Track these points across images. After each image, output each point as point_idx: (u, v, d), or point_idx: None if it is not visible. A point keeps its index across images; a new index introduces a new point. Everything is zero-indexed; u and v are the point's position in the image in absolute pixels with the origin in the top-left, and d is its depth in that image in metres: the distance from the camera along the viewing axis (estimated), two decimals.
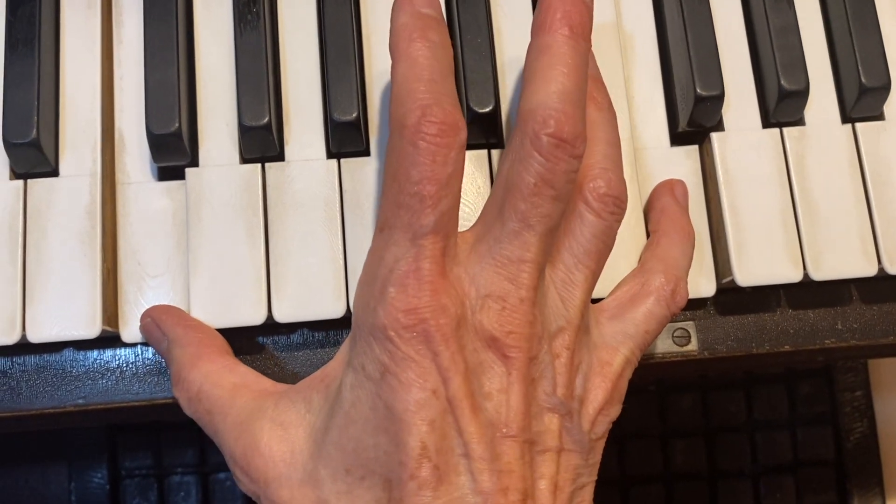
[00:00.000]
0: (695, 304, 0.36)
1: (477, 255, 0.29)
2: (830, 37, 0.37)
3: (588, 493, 0.31)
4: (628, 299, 0.32)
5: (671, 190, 0.35)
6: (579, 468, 0.30)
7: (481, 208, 0.34)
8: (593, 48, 0.32)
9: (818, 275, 0.35)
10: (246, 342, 0.35)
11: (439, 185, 0.28)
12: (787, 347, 0.36)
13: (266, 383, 0.32)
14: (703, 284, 0.35)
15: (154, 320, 0.33)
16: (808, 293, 0.37)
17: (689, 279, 0.34)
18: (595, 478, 0.31)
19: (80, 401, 0.35)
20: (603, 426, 0.31)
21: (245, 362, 0.35)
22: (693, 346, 0.36)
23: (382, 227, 0.29)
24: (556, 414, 0.29)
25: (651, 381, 0.63)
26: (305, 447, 0.29)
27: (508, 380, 0.28)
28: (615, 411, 0.31)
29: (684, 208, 0.35)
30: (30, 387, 0.35)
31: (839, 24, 0.36)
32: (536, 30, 0.30)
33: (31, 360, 0.35)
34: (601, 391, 0.31)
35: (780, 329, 0.36)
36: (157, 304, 0.34)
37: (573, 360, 0.30)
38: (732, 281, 0.35)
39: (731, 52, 0.37)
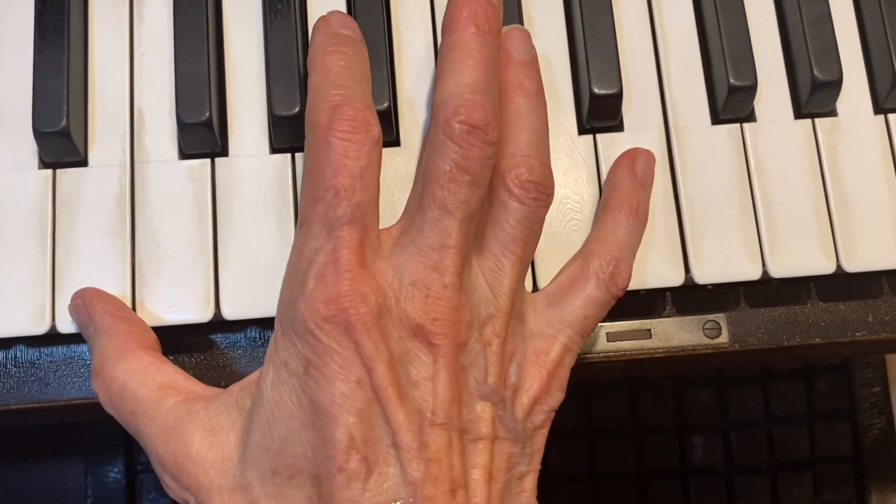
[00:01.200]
0: (725, 297, 0.36)
1: (400, 246, 0.29)
2: (862, 27, 0.37)
3: (529, 483, 0.30)
4: (567, 284, 0.32)
5: (631, 162, 0.34)
6: (515, 457, 0.30)
7: None
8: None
9: (851, 266, 0.35)
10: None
11: (352, 177, 0.28)
12: (817, 340, 0.36)
13: (195, 385, 0.31)
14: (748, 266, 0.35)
15: (84, 303, 0.32)
16: (839, 285, 0.36)
17: (735, 259, 0.33)
18: (537, 467, 0.30)
19: None
20: (540, 416, 0.31)
21: None
22: (724, 338, 0.36)
23: (302, 223, 0.29)
24: (487, 402, 0.29)
25: (668, 377, 0.63)
26: (235, 452, 0.29)
27: (435, 367, 0.28)
28: (554, 400, 0.31)
29: (641, 183, 0.34)
30: (58, 378, 0.35)
31: (871, 14, 0.36)
32: (445, 29, 0.31)
33: (60, 350, 0.35)
34: (536, 380, 0.30)
35: (811, 321, 0.36)
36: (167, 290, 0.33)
37: (504, 348, 0.30)
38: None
39: (764, 43, 0.36)
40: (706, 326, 0.36)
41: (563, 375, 0.31)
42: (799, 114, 0.36)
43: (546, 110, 0.33)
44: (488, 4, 0.31)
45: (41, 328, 0.33)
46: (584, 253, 0.33)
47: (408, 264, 0.29)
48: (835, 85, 0.35)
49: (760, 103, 0.36)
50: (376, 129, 0.29)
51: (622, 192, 0.33)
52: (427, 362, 0.28)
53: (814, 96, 0.35)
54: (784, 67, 0.36)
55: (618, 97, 0.35)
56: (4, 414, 0.35)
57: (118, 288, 0.34)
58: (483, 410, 0.29)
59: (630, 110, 0.36)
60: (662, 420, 0.62)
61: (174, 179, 0.35)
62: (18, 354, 0.35)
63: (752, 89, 0.35)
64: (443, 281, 0.29)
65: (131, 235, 0.34)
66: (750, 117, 0.36)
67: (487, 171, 0.29)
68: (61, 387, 0.35)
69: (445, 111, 0.29)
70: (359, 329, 0.27)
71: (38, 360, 0.35)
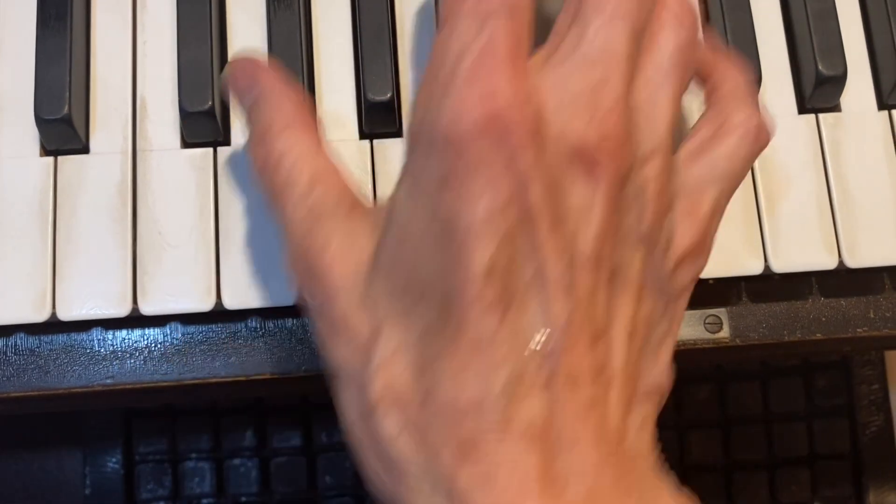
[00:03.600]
0: (727, 291, 0.36)
1: (555, 60, 0.25)
2: (867, 22, 0.37)
3: (667, 349, 0.27)
4: (710, 137, 0.28)
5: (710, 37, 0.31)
6: (656, 315, 0.27)
7: None
8: None
9: (853, 262, 0.35)
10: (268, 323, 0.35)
11: None
12: (818, 335, 0.36)
13: (345, 185, 0.28)
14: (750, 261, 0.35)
15: (249, 71, 0.30)
16: (841, 281, 0.36)
17: (736, 254, 0.33)
18: (675, 337, 0.27)
19: (108, 381, 0.35)
20: (688, 275, 0.27)
21: (279, 337, 0.35)
22: (725, 333, 0.36)
23: (444, 20, 0.25)
24: (640, 249, 0.25)
25: None
26: (366, 265, 0.26)
27: (593, 199, 0.24)
28: (702, 262, 0.28)
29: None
30: (57, 366, 0.35)
31: (876, 9, 0.36)
32: None
33: (60, 338, 0.35)
34: (688, 235, 0.27)
35: (812, 317, 0.36)
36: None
37: (663, 193, 0.26)
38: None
39: (768, 37, 0.36)
40: (707, 321, 0.36)
41: (713, 235, 0.28)
42: (802, 108, 0.36)
43: None
44: None
45: (42, 315, 0.33)
46: (720, 109, 0.29)
47: (567, 78, 0.25)
48: (839, 80, 0.35)
49: (764, 98, 0.36)
50: None
51: (727, 55, 0.31)
52: (585, 191, 0.24)
53: (818, 91, 0.35)
54: (788, 62, 0.36)
55: None
56: (4, 402, 0.34)
57: (119, 276, 0.33)
58: (634, 257, 0.25)
59: None
60: (661, 415, 0.62)
61: (176, 168, 0.34)
62: (18, 342, 0.34)
63: (756, 84, 0.35)
64: (609, 101, 0.24)
65: (133, 223, 0.34)
66: None
67: None
68: (61, 375, 0.35)
69: None
70: (518, 136, 0.23)
71: (38, 347, 0.35)
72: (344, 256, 0.27)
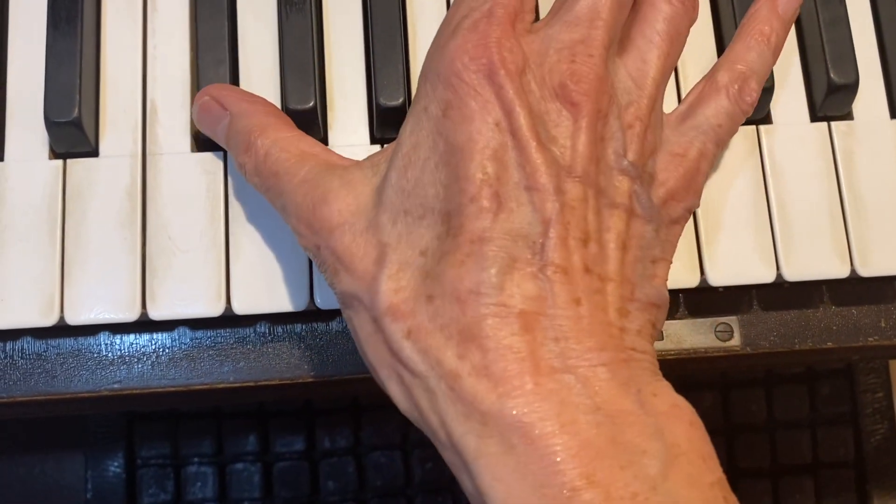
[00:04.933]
0: (738, 299, 0.36)
1: (548, 25, 0.30)
2: (880, 30, 0.37)
3: (662, 270, 0.30)
4: (697, 99, 0.32)
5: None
6: (648, 237, 0.29)
7: None
8: None
9: (865, 271, 0.35)
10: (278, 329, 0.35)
11: None
12: (829, 344, 0.36)
13: (333, 156, 0.31)
14: (761, 269, 0.35)
15: (214, 98, 0.33)
16: (852, 290, 0.36)
17: (748, 262, 0.34)
18: (669, 259, 0.30)
19: (116, 385, 0.34)
20: (677, 210, 0.30)
21: (288, 342, 0.34)
22: (736, 341, 0.36)
23: None
24: (625, 176, 0.29)
25: (672, 379, 0.62)
26: (370, 201, 0.29)
27: (575, 127, 0.28)
28: (690, 201, 0.31)
29: (780, 16, 0.33)
30: (65, 370, 0.34)
31: (889, 17, 0.36)
32: None
33: (67, 343, 0.34)
34: (673, 176, 0.30)
35: (823, 326, 0.36)
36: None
37: (646, 135, 0.30)
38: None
39: None
40: (718, 329, 0.36)
41: (700, 181, 0.31)
42: (815, 117, 0.36)
43: None
44: None
45: (49, 320, 0.33)
46: (712, 71, 0.33)
47: (555, 35, 0.29)
48: (851, 88, 0.35)
49: (776, 105, 0.36)
50: None
51: (757, 20, 0.33)
52: (567, 122, 0.28)
53: (829, 99, 0.35)
54: (801, 70, 0.36)
55: None
56: (10, 406, 0.34)
57: (128, 280, 0.33)
58: (621, 182, 0.29)
59: None
60: None
61: (187, 172, 0.34)
62: (25, 346, 0.34)
63: (769, 91, 0.35)
64: (589, 51, 0.29)
65: (142, 227, 0.34)
66: (766, 119, 0.36)
67: None
68: (68, 379, 0.34)
69: None
70: (502, 74, 0.28)
71: (45, 352, 0.34)
72: (343, 200, 0.29)
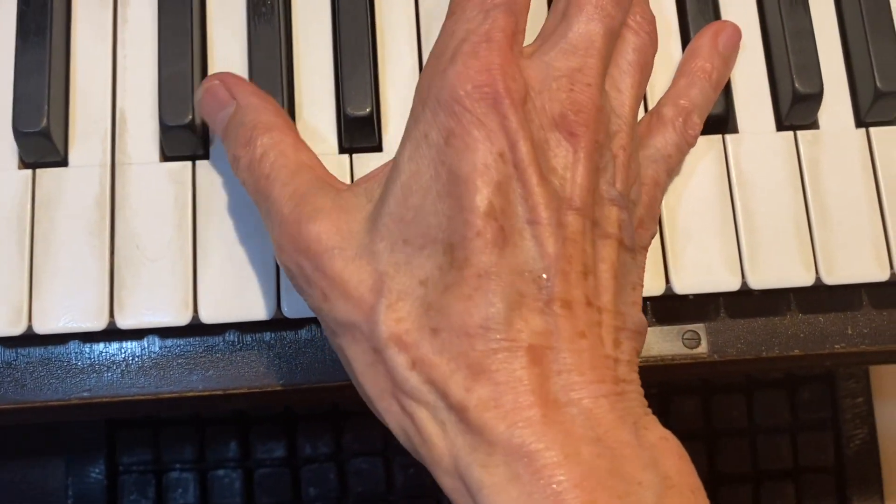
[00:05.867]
0: (705, 307, 0.36)
1: (542, 51, 0.30)
2: (846, 40, 0.37)
3: (639, 296, 0.31)
4: (646, 132, 0.33)
5: (714, 34, 0.35)
6: (629, 265, 0.30)
7: None
8: None
9: (830, 279, 0.35)
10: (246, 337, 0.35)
11: None
12: (796, 351, 0.36)
13: (327, 172, 0.31)
14: (727, 277, 0.35)
15: (225, 84, 0.33)
16: (819, 298, 0.36)
17: (714, 270, 0.34)
18: (642, 284, 0.31)
19: (85, 394, 0.35)
20: (646, 237, 0.32)
21: (257, 351, 0.35)
22: (703, 348, 0.36)
23: (453, 8, 0.30)
24: (615, 206, 0.30)
25: (653, 385, 0.63)
26: (362, 227, 0.29)
27: (574, 157, 0.29)
28: (654, 227, 0.32)
29: (721, 53, 0.35)
30: (34, 379, 0.34)
31: (854, 28, 0.36)
32: None
33: (37, 351, 0.35)
34: (643, 204, 0.32)
35: (790, 333, 0.36)
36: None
37: (629, 163, 0.31)
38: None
39: (747, 55, 0.36)
40: (685, 336, 0.36)
41: (658, 209, 0.33)
42: (781, 126, 0.36)
43: None
44: None
45: (18, 329, 0.33)
46: (658, 106, 0.34)
47: (552, 62, 0.30)
48: (815, 98, 0.35)
49: (742, 115, 0.36)
50: None
51: (699, 57, 0.35)
52: (567, 152, 0.29)
53: (795, 109, 0.35)
54: (767, 79, 0.37)
55: None
56: None
57: (96, 289, 0.33)
58: (611, 212, 0.29)
59: None
60: None
61: (155, 181, 0.34)
62: None
63: (728, 105, 0.35)
64: (587, 79, 0.29)
65: (111, 237, 0.34)
66: (732, 129, 0.36)
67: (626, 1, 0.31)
68: (38, 388, 0.34)
69: None
70: (507, 103, 0.28)
71: (14, 360, 0.35)
72: (334, 222, 0.29)
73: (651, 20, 0.33)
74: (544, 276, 0.27)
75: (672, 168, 0.33)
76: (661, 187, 0.33)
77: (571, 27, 0.30)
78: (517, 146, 0.28)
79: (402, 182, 0.28)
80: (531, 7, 0.31)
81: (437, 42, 0.30)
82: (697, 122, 0.34)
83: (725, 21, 0.36)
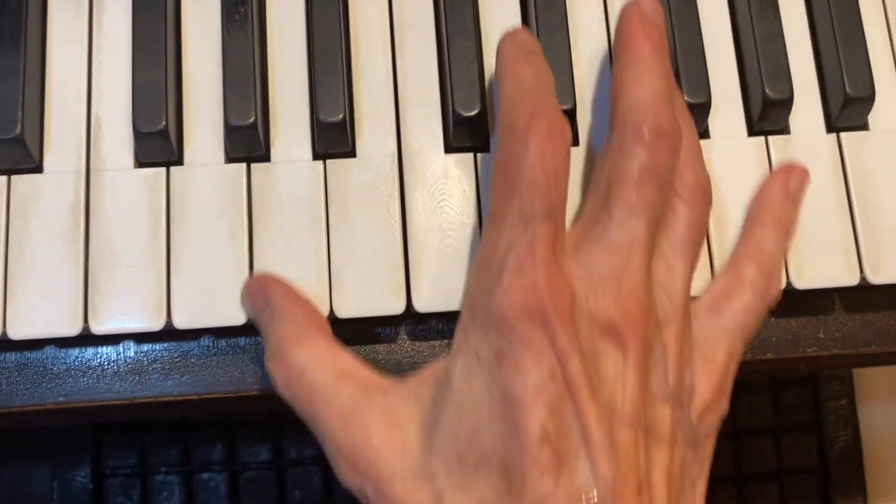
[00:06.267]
0: None
1: (585, 246, 0.30)
2: (816, 46, 0.37)
3: (700, 490, 0.31)
4: (723, 294, 0.33)
5: (786, 177, 0.35)
6: (688, 461, 0.30)
7: (467, 212, 0.34)
8: None
9: (801, 283, 0.35)
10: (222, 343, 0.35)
11: (548, 176, 0.29)
12: (769, 355, 0.36)
13: (369, 374, 0.31)
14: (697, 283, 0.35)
15: (262, 288, 0.33)
16: (791, 302, 0.36)
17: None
18: (706, 474, 0.31)
19: (61, 399, 0.35)
20: (711, 422, 0.31)
21: (232, 355, 0.35)
22: None
23: (494, 217, 0.30)
24: (668, 404, 0.29)
25: None
26: (416, 441, 0.29)
27: (625, 366, 0.28)
28: (723, 407, 0.32)
29: (793, 199, 0.34)
30: (10, 384, 0.35)
31: (825, 34, 0.36)
32: (621, 47, 0.32)
33: (12, 357, 0.35)
34: (707, 386, 0.31)
35: (763, 337, 0.36)
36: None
37: (682, 352, 0.30)
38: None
39: (719, 60, 0.37)
40: None
41: (730, 382, 0.32)
42: (752, 131, 0.36)
43: (694, 124, 0.34)
44: (658, 25, 0.33)
45: None
46: (737, 264, 0.33)
47: (596, 263, 0.29)
48: (785, 103, 0.35)
49: (714, 120, 0.36)
50: (570, 134, 0.30)
51: (773, 207, 0.34)
52: (616, 360, 0.28)
53: (765, 114, 0.35)
54: (738, 85, 0.37)
55: (571, 113, 0.35)
56: None
57: (71, 295, 0.34)
58: (664, 412, 0.29)
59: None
60: None
61: (129, 188, 0.35)
62: None
63: (706, 106, 0.35)
64: (633, 281, 0.29)
65: (85, 243, 0.34)
66: (704, 134, 0.36)
67: (671, 177, 0.31)
68: (13, 393, 0.35)
69: (634, 116, 0.30)
70: (555, 322, 0.28)
71: None
72: (389, 442, 0.29)
73: (706, 188, 0.32)
74: (600, 498, 0.27)
75: (750, 338, 0.33)
76: (735, 360, 0.32)
77: (612, 222, 0.30)
78: (567, 365, 0.28)
79: (455, 400, 0.29)
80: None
81: (480, 250, 0.30)
82: (778, 284, 0.33)
83: (793, 164, 0.35)
